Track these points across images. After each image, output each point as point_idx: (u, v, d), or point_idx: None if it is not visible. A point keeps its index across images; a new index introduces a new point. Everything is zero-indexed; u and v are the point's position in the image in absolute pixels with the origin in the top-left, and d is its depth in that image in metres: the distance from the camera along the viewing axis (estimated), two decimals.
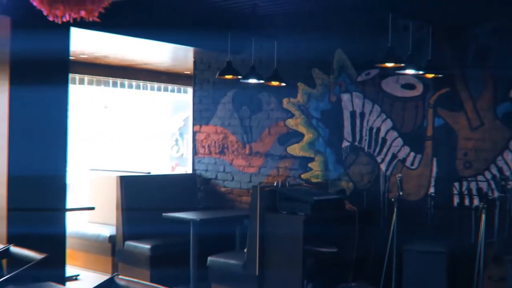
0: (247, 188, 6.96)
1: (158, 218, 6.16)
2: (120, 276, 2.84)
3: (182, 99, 10.56)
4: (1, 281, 2.87)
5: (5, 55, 4.96)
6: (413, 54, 5.39)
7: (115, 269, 6.61)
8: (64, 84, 5.37)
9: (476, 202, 5.47)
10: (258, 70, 6.09)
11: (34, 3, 2.48)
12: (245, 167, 7.06)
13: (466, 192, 5.58)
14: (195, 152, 7.55)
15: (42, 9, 2.48)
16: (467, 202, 5.57)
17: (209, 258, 5.83)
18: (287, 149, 6.72)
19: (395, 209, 5.30)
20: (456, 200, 5.64)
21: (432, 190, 5.77)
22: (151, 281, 5.88)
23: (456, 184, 5.63)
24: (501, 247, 5.07)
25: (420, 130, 5.86)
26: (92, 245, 6.98)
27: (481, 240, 4.99)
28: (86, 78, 8.76)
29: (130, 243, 6.41)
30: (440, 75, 5.55)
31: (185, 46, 6.83)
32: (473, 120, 5.58)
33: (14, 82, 4.97)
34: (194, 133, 7.55)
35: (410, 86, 5.93)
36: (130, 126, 10.94)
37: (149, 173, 7.68)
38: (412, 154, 5.90)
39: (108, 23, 3.29)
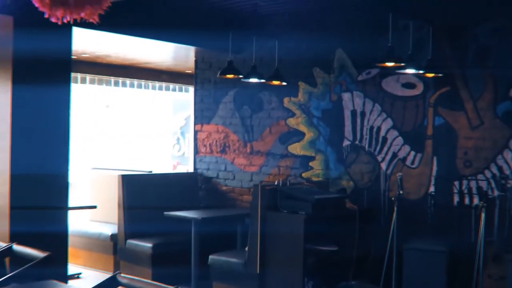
0: (248, 187, 6.97)
1: (159, 216, 6.19)
2: (122, 274, 2.86)
3: (184, 98, 10.56)
4: (4, 279, 2.89)
5: (8, 54, 4.97)
6: (414, 53, 5.40)
7: (117, 267, 6.63)
8: (66, 83, 5.39)
9: (476, 201, 5.48)
10: (259, 69, 6.11)
11: (36, 4, 2.50)
12: (246, 166, 7.07)
13: (466, 191, 5.59)
14: (196, 151, 7.56)
15: (43, 10, 2.50)
16: (467, 201, 5.59)
17: (210, 257, 5.84)
18: (288, 148, 6.74)
19: (395, 208, 5.31)
20: (456, 199, 5.65)
21: (432, 189, 5.78)
22: (153, 279, 5.89)
23: (456, 183, 5.65)
24: (501, 245, 5.08)
25: (420, 129, 5.87)
26: (94, 243, 7.00)
27: (481, 238, 5.00)
28: (88, 77, 8.77)
29: (132, 242, 6.43)
30: (440, 75, 5.56)
31: (186, 46, 6.85)
32: (473, 119, 5.59)
33: (17, 81, 4.99)
34: (196, 132, 7.57)
35: (411, 85, 5.94)
36: (131, 125, 10.94)
37: (151, 172, 7.67)
38: (413, 153, 5.92)
39: (109, 22, 3.30)
